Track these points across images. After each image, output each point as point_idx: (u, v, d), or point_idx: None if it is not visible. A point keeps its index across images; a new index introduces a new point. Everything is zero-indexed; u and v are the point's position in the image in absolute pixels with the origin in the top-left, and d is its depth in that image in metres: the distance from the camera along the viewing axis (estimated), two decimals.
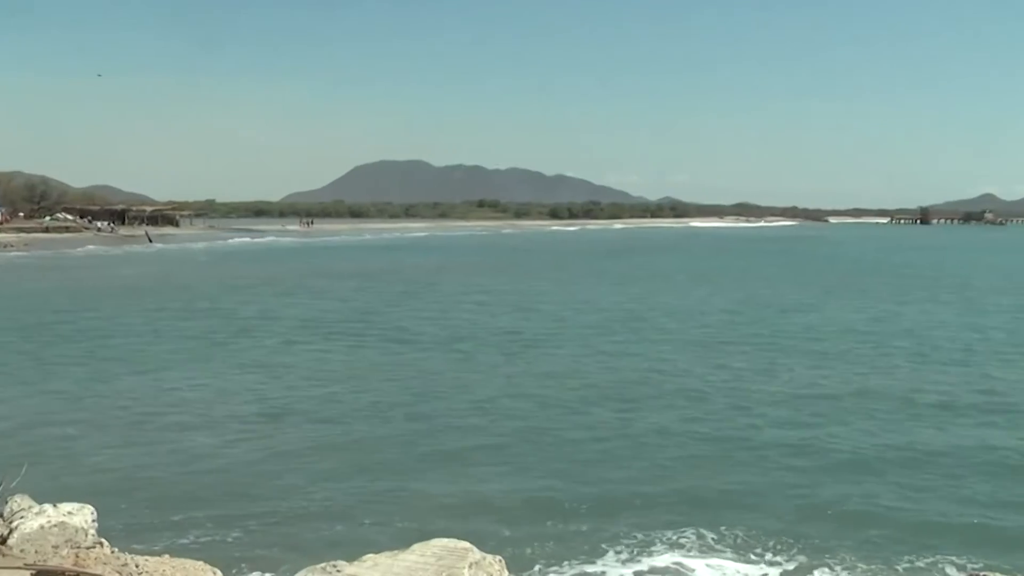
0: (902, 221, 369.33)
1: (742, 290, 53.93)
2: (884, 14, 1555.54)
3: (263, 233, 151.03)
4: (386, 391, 23.73)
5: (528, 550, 12.69)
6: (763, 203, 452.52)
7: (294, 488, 15.51)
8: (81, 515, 6.84)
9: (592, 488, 15.71)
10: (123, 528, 12.04)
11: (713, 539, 13.36)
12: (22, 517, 6.72)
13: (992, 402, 22.70)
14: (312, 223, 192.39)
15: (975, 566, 11.86)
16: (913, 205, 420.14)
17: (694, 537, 13.41)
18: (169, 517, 13.88)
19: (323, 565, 6.26)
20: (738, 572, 12.33)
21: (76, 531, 6.66)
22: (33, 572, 6.02)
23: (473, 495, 15.25)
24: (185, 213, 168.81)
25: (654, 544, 13.17)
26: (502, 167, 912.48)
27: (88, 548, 6.54)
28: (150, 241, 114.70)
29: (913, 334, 34.78)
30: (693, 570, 12.35)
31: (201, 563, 6.89)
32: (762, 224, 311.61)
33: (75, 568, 6.15)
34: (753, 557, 12.73)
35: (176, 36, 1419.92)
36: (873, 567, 12.38)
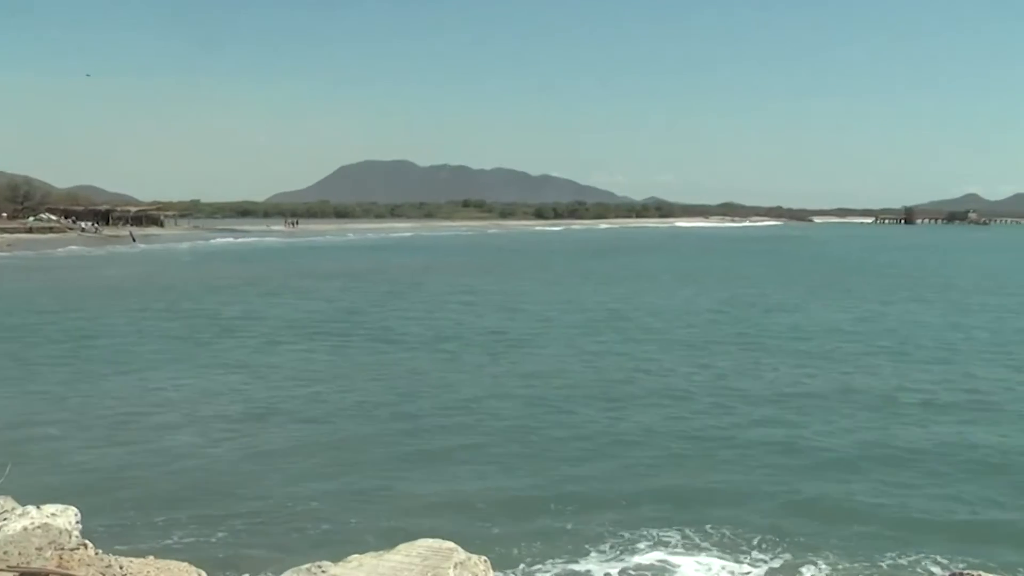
0: (886, 221, 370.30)
1: (727, 290, 54.06)
2: (873, 16, 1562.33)
3: (248, 233, 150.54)
4: (371, 391, 23.70)
5: (513, 550, 12.70)
6: (748, 203, 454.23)
7: (279, 488, 15.47)
8: (65, 516, 6.81)
9: (577, 487, 15.74)
10: (107, 529, 12.00)
11: (698, 537, 13.39)
12: (5, 519, 6.68)
13: (975, 401, 22.83)
14: (297, 223, 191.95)
15: (959, 565, 11.91)
16: (897, 205, 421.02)
17: (679, 535, 13.44)
18: (153, 518, 13.83)
19: (308, 566, 6.26)
20: (723, 569, 12.36)
21: (60, 533, 6.63)
22: (16, 574, 5.99)
23: (458, 495, 15.25)
24: (170, 213, 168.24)
25: (639, 542, 13.19)
26: (487, 167, 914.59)
27: (72, 550, 6.51)
28: (134, 241, 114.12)
29: (897, 333, 34.95)
30: (678, 568, 12.37)
31: (186, 564, 6.87)
32: (747, 224, 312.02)
33: (59, 570, 6.13)
34: (738, 555, 12.77)
35: (161, 35, 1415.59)
36: (856, 565, 12.44)
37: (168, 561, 6.86)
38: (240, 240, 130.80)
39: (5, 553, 6.29)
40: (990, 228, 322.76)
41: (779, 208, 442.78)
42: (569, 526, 13.79)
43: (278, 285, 55.42)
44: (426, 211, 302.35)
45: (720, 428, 19.90)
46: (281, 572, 6.38)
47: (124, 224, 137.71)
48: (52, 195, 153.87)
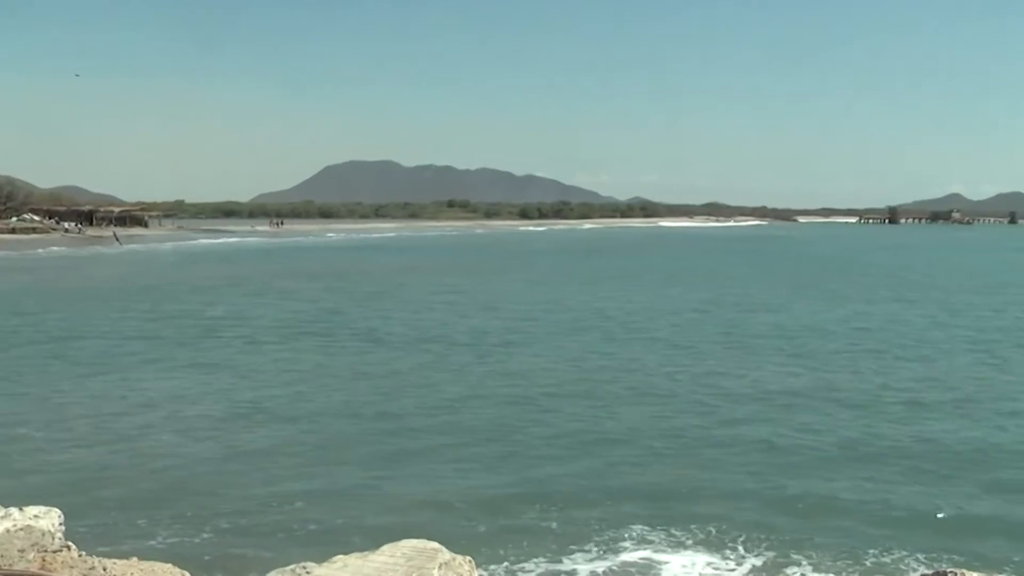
0: (871, 221, 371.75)
1: (711, 290, 54.19)
2: (858, 17, 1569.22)
3: (232, 234, 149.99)
4: (356, 391, 23.68)
5: (498, 549, 12.71)
6: (733, 203, 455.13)
7: (263, 488, 15.44)
8: (48, 518, 6.77)
9: (562, 486, 15.77)
10: (90, 531, 11.96)
11: (683, 535, 13.43)
12: None
13: (957, 399, 22.98)
14: (282, 223, 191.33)
15: (942, 563, 11.97)
16: (882, 205, 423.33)
17: (664, 534, 13.48)
18: (137, 519, 13.78)
19: (292, 567, 6.25)
20: (708, 566, 12.41)
21: (43, 534, 6.59)
22: None
23: (443, 495, 15.24)
24: (154, 214, 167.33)
25: (624, 541, 13.22)
26: (472, 167, 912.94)
27: (55, 552, 6.49)
28: (118, 242, 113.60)
29: (880, 333, 35.13)
30: (663, 566, 12.40)
31: (170, 566, 6.85)
32: (731, 224, 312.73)
33: (42, 572, 6.10)
34: (722, 553, 12.81)
35: (145, 36, 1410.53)
36: (839, 563, 12.50)
37: (152, 562, 6.84)
38: (224, 240, 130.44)
39: None
40: (973, 228, 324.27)
41: (764, 208, 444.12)
42: (554, 525, 13.81)
43: (262, 285, 55.28)
44: (411, 211, 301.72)
45: (704, 427, 19.97)
46: (265, 573, 6.36)
47: (108, 224, 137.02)
48: (35, 195, 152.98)
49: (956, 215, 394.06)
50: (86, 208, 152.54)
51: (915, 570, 12.10)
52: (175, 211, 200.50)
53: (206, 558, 12.17)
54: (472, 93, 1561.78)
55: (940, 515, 14.51)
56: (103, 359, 28.00)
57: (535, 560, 12.49)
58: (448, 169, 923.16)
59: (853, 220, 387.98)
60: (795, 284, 59.41)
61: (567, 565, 12.41)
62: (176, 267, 75.28)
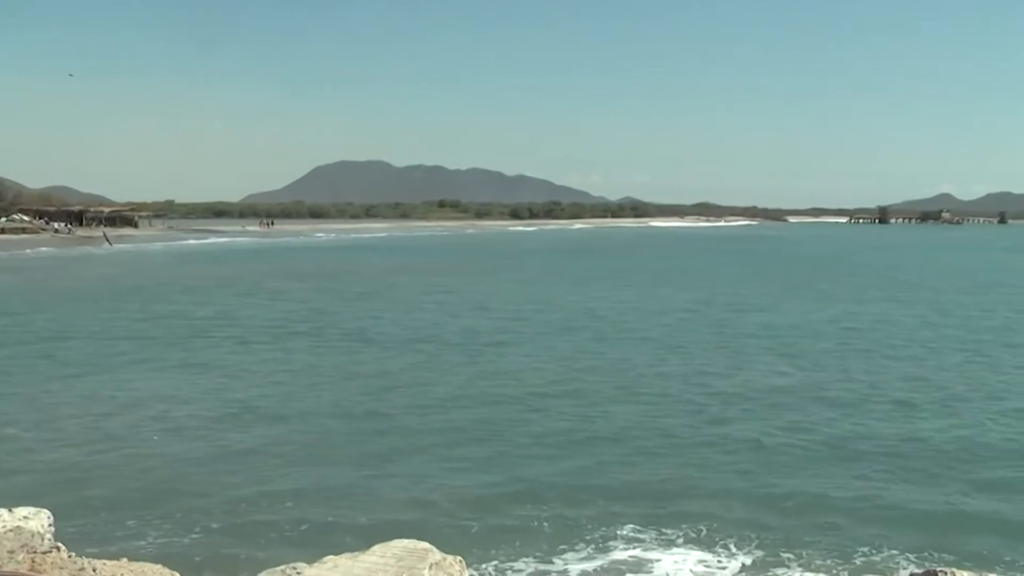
0: (861, 220, 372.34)
1: (701, 290, 54.25)
2: (848, 17, 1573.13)
3: (222, 234, 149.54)
4: (346, 391, 23.65)
5: (489, 549, 12.72)
6: (723, 203, 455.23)
7: (254, 489, 15.41)
8: (37, 519, 6.76)
9: (552, 486, 15.77)
10: (80, 531, 11.94)
11: (673, 534, 13.46)
12: None
13: (946, 397, 23.06)
14: (272, 224, 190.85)
15: (932, 562, 12.02)
16: (872, 205, 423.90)
17: (654, 532, 13.51)
18: (126, 520, 13.74)
19: (283, 567, 6.25)
20: (699, 564, 12.44)
21: (32, 535, 6.58)
22: None
23: (433, 494, 15.24)
24: (144, 214, 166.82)
25: (615, 540, 13.24)
26: (463, 167, 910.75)
27: (44, 553, 6.48)
28: (108, 242, 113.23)
29: (870, 333, 35.23)
30: (654, 564, 12.42)
31: (159, 567, 6.85)
32: (722, 224, 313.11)
33: (31, 574, 6.09)
34: (713, 551, 12.84)
35: (134, 36, 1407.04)
36: (829, 561, 12.53)
37: (142, 563, 6.84)
38: (215, 240, 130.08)
39: None
40: (963, 228, 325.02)
41: (754, 208, 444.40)
42: (545, 525, 13.82)
43: (252, 286, 55.16)
44: (401, 211, 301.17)
45: (694, 426, 20.01)
46: (256, 573, 6.36)
47: (98, 225, 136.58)
48: (24, 195, 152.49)
49: (946, 215, 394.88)
50: (76, 208, 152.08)
51: (905, 568, 12.13)
52: (165, 211, 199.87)
53: (196, 559, 12.15)
54: (462, 93, 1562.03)
55: (930, 514, 14.57)
56: (92, 359, 27.93)
57: (525, 560, 12.50)
58: (439, 169, 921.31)
59: (843, 220, 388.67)
60: (785, 284, 59.51)
61: (558, 565, 12.42)
62: (166, 267, 75.08)
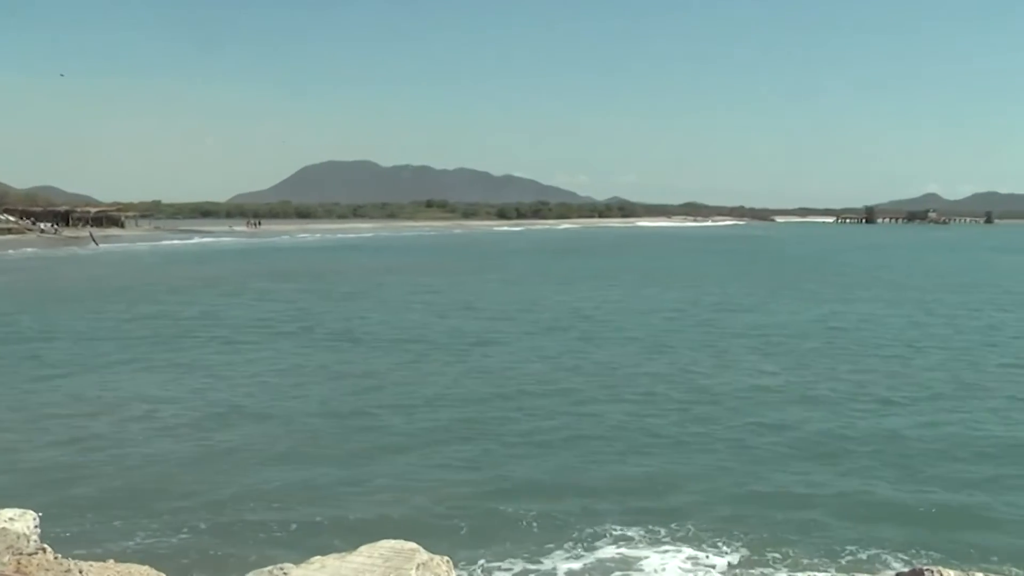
0: (848, 220, 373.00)
1: (688, 289, 54.38)
2: (835, 18, 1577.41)
3: (210, 234, 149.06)
4: (333, 391, 23.63)
5: (476, 549, 12.72)
6: (711, 203, 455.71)
7: (240, 490, 15.38)
8: (23, 521, 6.73)
9: (539, 485, 15.80)
10: (66, 533, 11.92)
11: (660, 532, 13.48)
12: None
13: (933, 395, 23.20)
14: (259, 224, 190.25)
15: (920, 560, 12.07)
16: (859, 204, 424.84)
17: (641, 530, 13.53)
18: (113, 521, 13.71)
19: (270, 568, 6.25)
20: (686, 561, 12.48)
21: (18, 537, 6.56)
22: None
23: (421, 495, 15.24)
24: (130, 214, 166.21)
25: (602, 538, 13.27)
26: (450, 167, 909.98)
27: (30, 554, 6.45)
28: (94, 243, 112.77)
29: (856, 332, 35.36)
30: (641, 562, 12.45)
31: (147, 568, 6.83)
32: (709, 224, 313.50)
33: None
34: (700, 549, 12.87)
35: (120, 35, 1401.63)
36: (816, 560, 12.58)
37: (129, 564, 6.82)
38: (201, 241, 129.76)
39: None
40: (949, 227, 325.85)
41: (741, 208, 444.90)
42: (532, 524, 13.84)
43: (239, 286, 55.02)
44: (389, 211, 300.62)
45: (681, 424, 20.05)
46: (244, 574, 6.36)
47: (84, 225, 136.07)
48: (10, 196, 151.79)
49: (932, 215, 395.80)
50: (62, 208, 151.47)
51: (892, 567, 12.17)
52: (152, 211, 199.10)
53: (183, 560, 12.12)
54: (450, 93, 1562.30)
55: (916, 511, 14.62)
56: (78, 359, 27.83)
57: (513, 559, 12.51)
58: (426, 169, 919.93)
59: (830, 220, 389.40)
60: (772, 284, 59.63)
61: (545, 564, 12.44)
62: (152, 268, 74.82)
